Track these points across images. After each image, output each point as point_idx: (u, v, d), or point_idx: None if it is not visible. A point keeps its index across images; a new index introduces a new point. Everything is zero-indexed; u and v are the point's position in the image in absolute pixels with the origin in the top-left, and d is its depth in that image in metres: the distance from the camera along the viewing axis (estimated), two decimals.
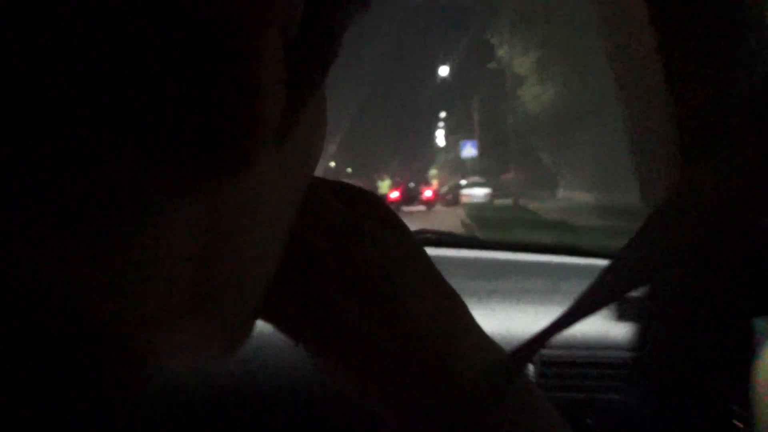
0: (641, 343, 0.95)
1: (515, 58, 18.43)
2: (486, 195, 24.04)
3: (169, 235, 0.23)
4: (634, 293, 0.96)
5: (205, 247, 0.25)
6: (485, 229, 11.91)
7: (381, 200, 0.38)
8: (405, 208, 24.29)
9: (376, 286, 0.34)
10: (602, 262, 1.30)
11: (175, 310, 0.25)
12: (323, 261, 0.34)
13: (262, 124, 0.21)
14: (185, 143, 0.21)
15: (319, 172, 0.33)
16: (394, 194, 26.10)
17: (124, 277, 0.22)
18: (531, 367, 0.94)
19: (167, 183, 0.21)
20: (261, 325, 0.33)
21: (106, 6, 0.19)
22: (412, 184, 28.77)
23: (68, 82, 0.19)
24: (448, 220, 14.67)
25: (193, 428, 0.93)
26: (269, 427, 0.94)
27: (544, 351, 0.93)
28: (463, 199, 24.36)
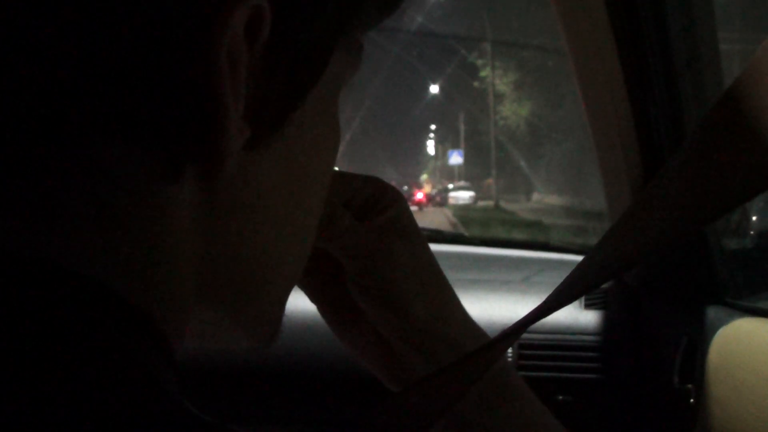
0: (607, 329, 0.95)
1: (496, 78, 18.45)
2: (470, 197, 24.04)
3: (165, 212, 0.22)
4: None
5: (203, 237, 0.24)
6: (469, 228, 11.91)
7: (403, 210, 0.37)
8: None
9: (385, 292, 0.35)
10: (570, 257, 1.30)
11: (184, 292, 0.24)
12: (343, 272, 0.36)
13: (223, 117, 0.21)
14: (168, 136, 0.21)
15: None
16: None
17: (139, 252, 0.22)
18: (510, 350, 0.93)
19: (158, 169, 0.22)
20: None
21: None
22: (405, 188, 28.72)
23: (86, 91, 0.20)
24: (437, 220, 14.66)
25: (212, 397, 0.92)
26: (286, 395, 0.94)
27: (522, 335, 0.93)
28: (450, 201, 24.36)
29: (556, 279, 0.30)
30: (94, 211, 0.21)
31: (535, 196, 19.01)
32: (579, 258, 0.32)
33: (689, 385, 0.74)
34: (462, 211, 17.90)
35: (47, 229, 0.21)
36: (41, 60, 0.20)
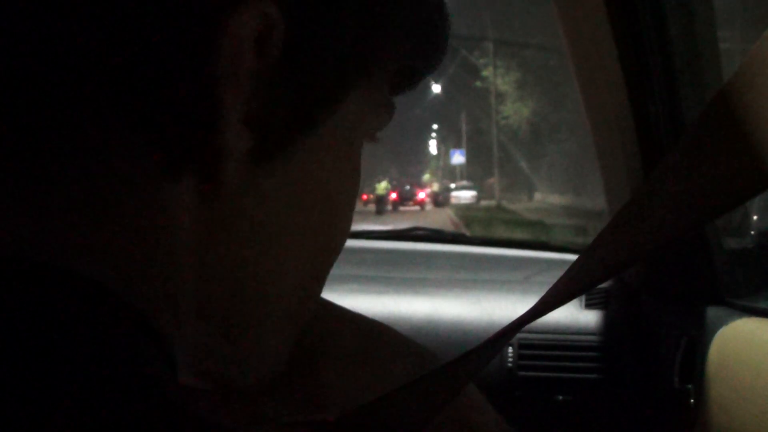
0: (607, 328, 0.95)
1: (498, 78, 18.45)
2: (472, 197, 24.04)
3: (165, 212, 0.23)
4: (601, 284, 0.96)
5: (203, 245, 0.24)
6: (471, 227, 11.90)
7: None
8: (401, 208, 24.34)
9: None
10: (572, 257, 1.30)
11: (184, 294, 0.24)
12: None
13: (220, 117, 0.22)
14: (171, 136, 0.22)
15: None
16: (393, 195, 26.09)
17: (137, 250, 0.22)
18: (510, 350, 0.93)
19: (159, 167, 0.22)
20: None
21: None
22: (407, 187, 28.73)
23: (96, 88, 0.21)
24: (439, 219, 14.66)
25: None
26: None
27: (522, 335, 0.93)
28: (452, 201, 24.38)
29: (557, 279, 0.30)
30: (93, 205, 0.21)
31: (537, 196, 19.01)
32: None
33: (689, 386, 0.73)
34: (464, 210, 17.88)
35: (45, 227, 0.21)
36: (48, 55, 0.20)
